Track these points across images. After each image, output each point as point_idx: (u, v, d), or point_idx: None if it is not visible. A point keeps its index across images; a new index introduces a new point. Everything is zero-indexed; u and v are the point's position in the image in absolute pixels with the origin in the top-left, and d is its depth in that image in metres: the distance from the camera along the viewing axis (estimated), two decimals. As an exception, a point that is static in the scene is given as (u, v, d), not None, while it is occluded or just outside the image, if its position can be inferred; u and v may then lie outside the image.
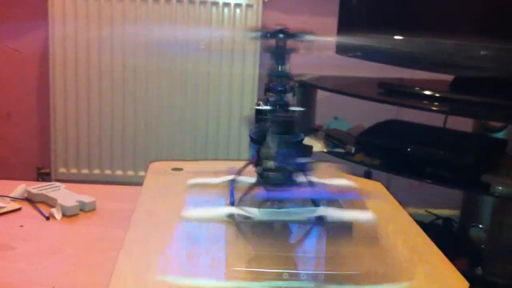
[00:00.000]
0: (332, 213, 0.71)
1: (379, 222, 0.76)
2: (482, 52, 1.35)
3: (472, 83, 1.46)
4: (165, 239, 0.69)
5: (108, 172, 1.91)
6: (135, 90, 1.84)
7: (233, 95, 1.86)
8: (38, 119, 1.96)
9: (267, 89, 0.74)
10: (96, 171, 1.90)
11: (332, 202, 0.76)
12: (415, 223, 0.83)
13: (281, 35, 0.71)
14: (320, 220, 0.71)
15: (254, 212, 0.71)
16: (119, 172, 1.91)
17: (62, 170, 1.89)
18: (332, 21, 1.62)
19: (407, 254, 0.71)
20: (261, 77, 1.84)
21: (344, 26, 1.60)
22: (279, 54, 0.72)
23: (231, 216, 0.71)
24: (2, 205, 0.88)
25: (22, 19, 1.87)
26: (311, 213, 0.72)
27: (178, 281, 0.58)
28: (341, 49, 1.58)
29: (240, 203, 0.74)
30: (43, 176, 1.97)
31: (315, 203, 0.74)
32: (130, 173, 1.91)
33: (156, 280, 0.61)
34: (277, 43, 0.71)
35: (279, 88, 0.73)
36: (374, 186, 0.94)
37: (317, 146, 1.58)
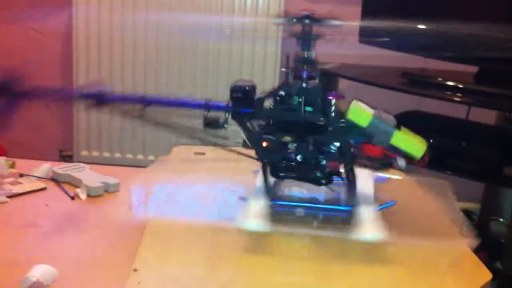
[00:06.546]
0: None
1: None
2: (508, 44, 1.33)
3: (497, 75, 1.44)
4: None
5: (129, 156, 1.92)
6: (156, 73, 1.85)
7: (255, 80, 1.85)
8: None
9: (294, 76, 0.73)
10: (118, 155, 1.92)
11: None
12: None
13: (307, 20, 0.70)
14: None
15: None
16: (140, 157, 1.92)
17: (84, 153, 1.91)
18: (356, 10, 1.61)
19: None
20: (282, 65, 1.83)
21: (367, 15, 1.58)
22: (305, 40, 0.72)
23: None
24: (28, 183, 0.89)
25: (47, 1, 1.88)
26: None
27: None
28: (364, 38, 1.56)
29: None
30: (65, 158, 2.00)
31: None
32: (152, 157, 1.93)
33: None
34: (303, 28, 0.71)
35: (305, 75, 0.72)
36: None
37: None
